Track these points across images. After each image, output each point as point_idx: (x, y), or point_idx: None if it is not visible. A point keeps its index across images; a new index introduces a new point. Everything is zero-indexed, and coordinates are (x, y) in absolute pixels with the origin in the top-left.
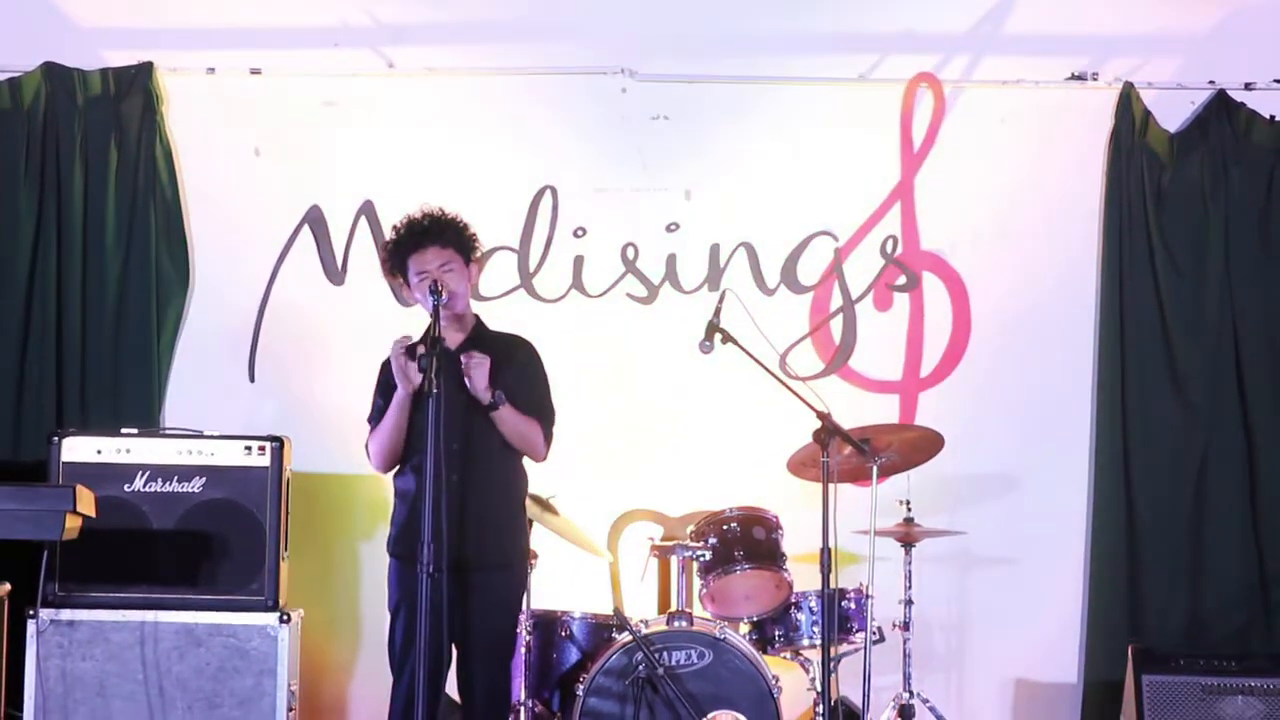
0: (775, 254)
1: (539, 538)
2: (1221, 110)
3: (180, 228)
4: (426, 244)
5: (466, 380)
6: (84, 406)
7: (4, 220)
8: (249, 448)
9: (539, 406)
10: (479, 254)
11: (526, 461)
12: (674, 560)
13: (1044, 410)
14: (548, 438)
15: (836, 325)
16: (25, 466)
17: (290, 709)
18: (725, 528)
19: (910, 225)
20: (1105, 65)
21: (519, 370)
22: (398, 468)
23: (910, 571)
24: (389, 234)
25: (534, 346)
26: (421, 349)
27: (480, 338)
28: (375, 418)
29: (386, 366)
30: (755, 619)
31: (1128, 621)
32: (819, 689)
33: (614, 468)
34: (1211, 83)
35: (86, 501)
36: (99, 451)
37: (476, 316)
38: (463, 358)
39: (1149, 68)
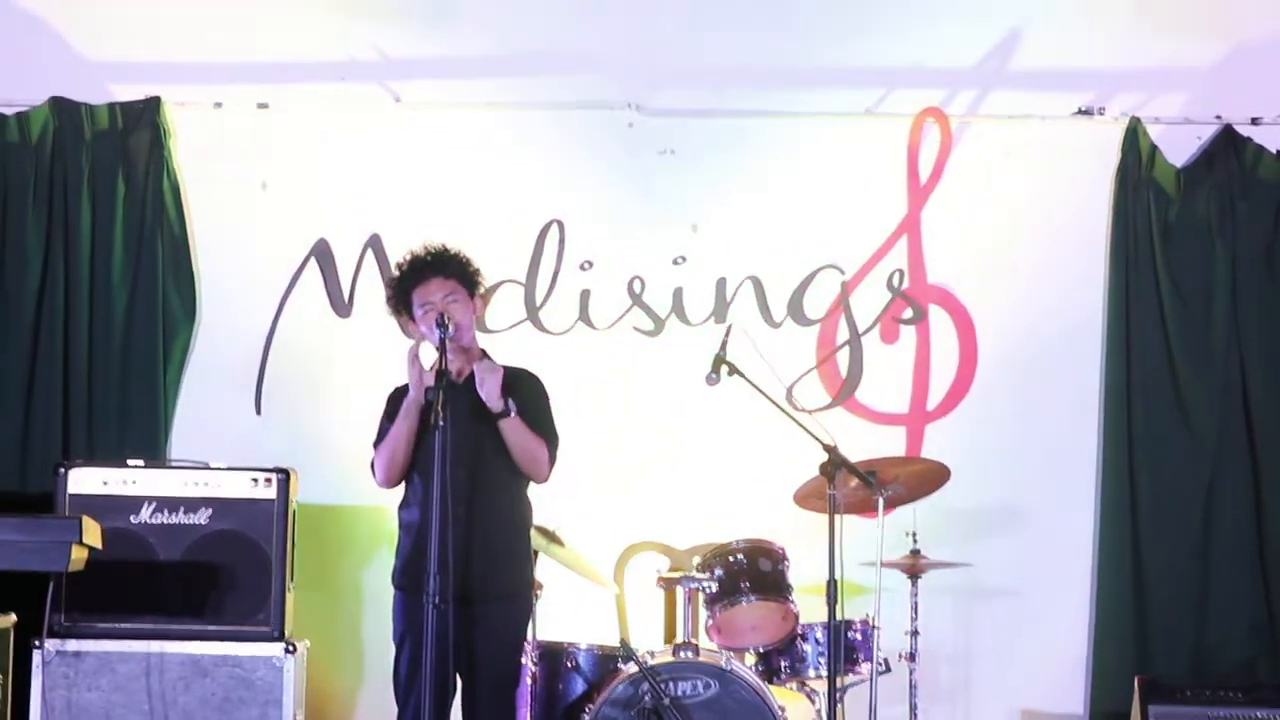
0: (782, 287)
1: (545, 569)
2: (1228, 145)
3: (187, 261)
4: (430, 276)
5: (479, 388)
6: (90, 438)
7: (12, 253)
8: (255, 480)
9: (544, 431)
10: (483, 288)
11: (532, 493)
12: (680, 591)
13: (1050, 443)
14: (551, 459)
15: (843, 358)
16: (32, 498)
17: None
18: (732, 559)
19: (917, 258)
20: (1112, 100)
21: (523, 399)
22: (403, 499)
23: (916, 603)
24: (394, 271)
25: (538, 378)
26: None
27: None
28: (381, 439)
29: (394, 395)
30: (761, 650)
31: (1134, 652)
32: None
33: (620, 499)
34: (1218, 117)
35: (93, 533)
36: (105, 483)
37: (483, 350)
38: (475, 366)
39: (1155, 103)
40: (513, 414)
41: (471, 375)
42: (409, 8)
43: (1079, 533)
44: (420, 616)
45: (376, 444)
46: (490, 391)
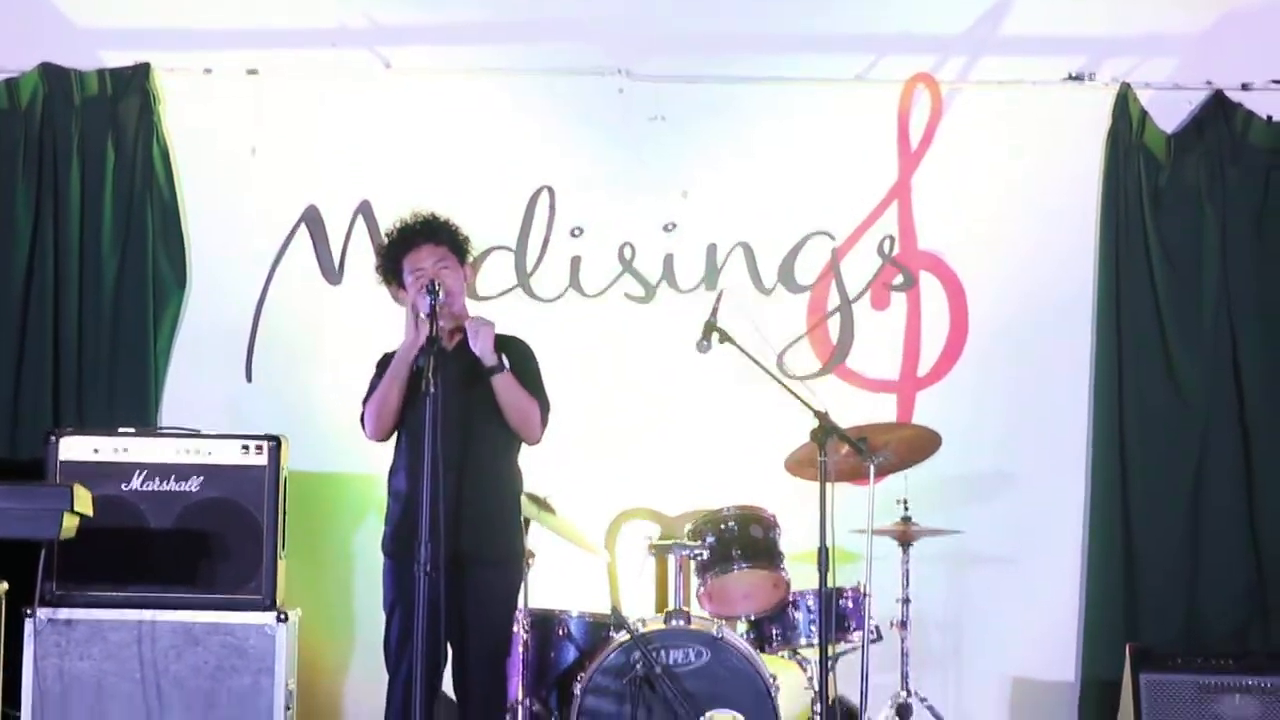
0: (772, 254)
1: (536, 537)
2: (1218, 110)
3: (177, 228)
4: (420, 242)
5: (471, 342)
6: (81, 405)
7: (1, 220)
8: (246, 447)
9: (535, 394)
10: (472, 256)
11: (524, 461)
12: (671, 559)
13: (1041, 409)
14: (544, 421)
15: (834, 325)
16: (22, 465)
17: (288, 708)
18: (723, 526)
19: (907, 225)
20: (1102, 65)
21: (514, 363)
22: (392, 465)
23: (908, 570)
24: (383, 238)
25: (528, 344)
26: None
27: None
28: (371, 393)
29: (383, 360)
30: (753, 618)
31: (1125, 620)
32: (817, 688)
33: (611, 467)
34: (1208, 83)
35: (84, 500)
36: (96, 450)
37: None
38: (467, 322)
39: (1146, 68)
40: (506, 369)
41: (462, 343)
42: None
43: (1070, 500)
44: (411, 584)
45: (366, 399)
46: (484, 346)
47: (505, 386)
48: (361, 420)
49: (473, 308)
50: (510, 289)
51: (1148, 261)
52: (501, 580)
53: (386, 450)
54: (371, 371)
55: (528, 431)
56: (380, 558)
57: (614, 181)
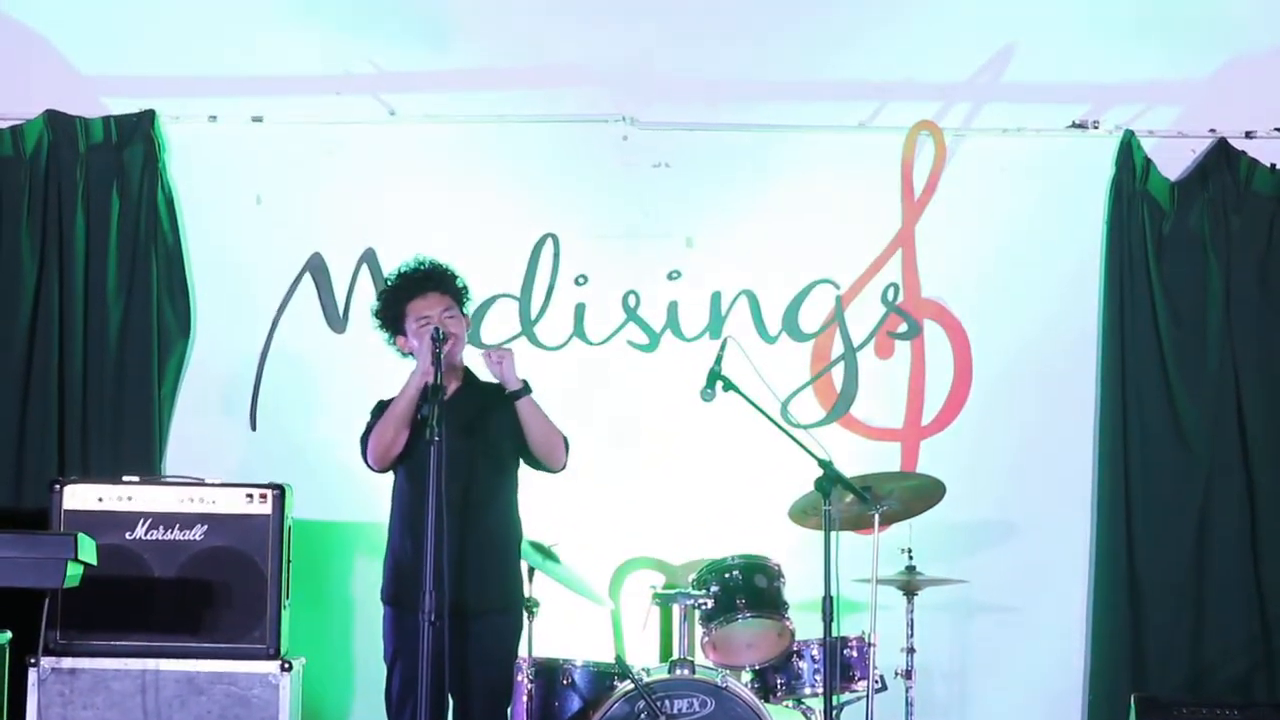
0: (777, 302)
1: (541, 585)
2: (1222, 158)
3: (182, 275)
4: (428, 290)
5: (494, 370)
6: (85, 454)
7: (6, 267)
8: (250, 495)
9: None
10: (470, 305)
11: (528, 509)
12: (676, 608)
13: (1045, 458)
14: (566, 448)
15: (838, 373)
16: (27, 514)
17: None
18: (727, 575)
19: (911, 273)
20: (1106, 113)
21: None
22: (392, 513)
23: (912, 620)
24: (386, 284)
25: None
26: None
27: (474, 385)
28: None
29: (379, 407)
30: (757, 667)
31: (1130, 669)
32: None
33: (616, 516)
34: (1212, 131)
35: (88, 549)
36: (100, 499)
37: (466, 367)
38: (485, 353)
39: (1150, 116)
40: (531, 392)
41: (463, 391)
42: (404, 21)
43: (1075, 549)
44: (412, 633)
45: (364, 437)
46: (508, 372)
47: (531, 411)
48: (363, 447)
49: (476, 355)
50: (515, 337)
51: (1151, 309)
52: (504, 628)
53: (390, 498)
54: (369, 418)
55: (554, 456)
56: (380, 606)
57: (618, 229)
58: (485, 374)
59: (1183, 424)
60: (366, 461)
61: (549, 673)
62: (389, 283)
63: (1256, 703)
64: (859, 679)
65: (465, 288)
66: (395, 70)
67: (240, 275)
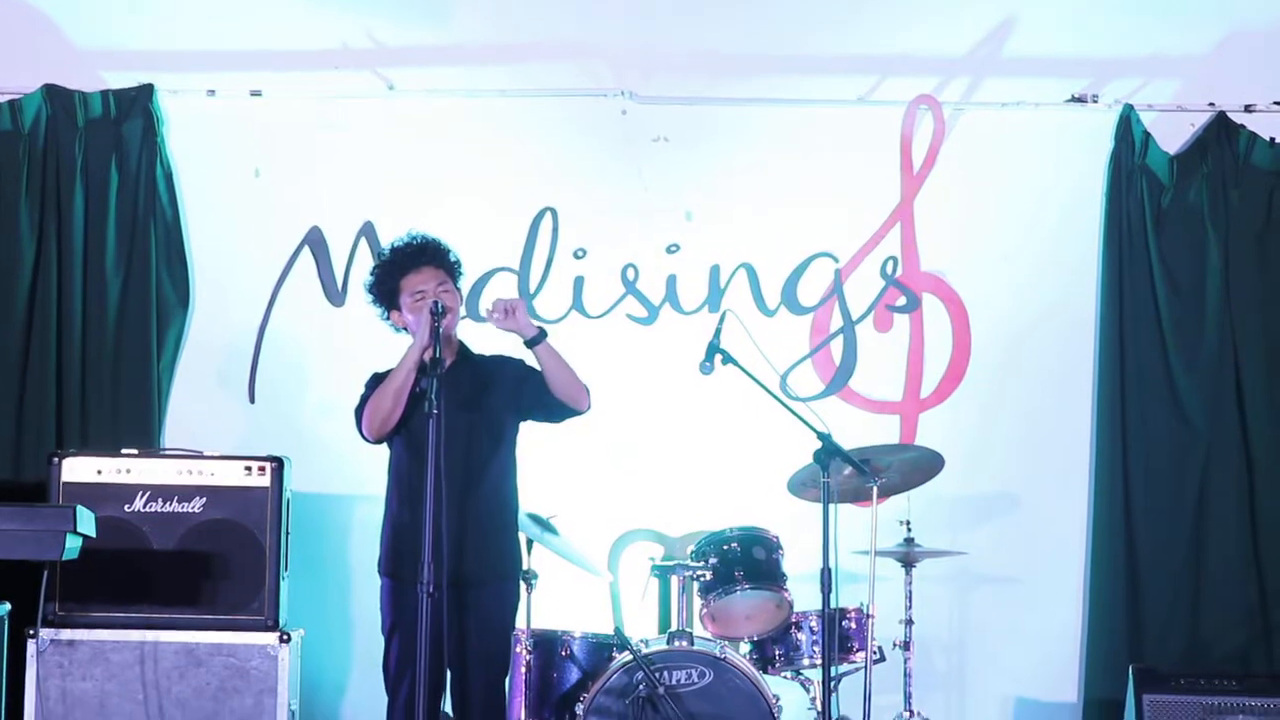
0: (776, 275)
1: (539, 557)
2: (1221, 132)
3: (181, 249)
4: (422, 265)
5: (504, 321)
6: (84, 427)
7: (5, 241)
8: (249, 468)
9: None
10: (463, 280)
11: (526, 481)
12: (674, 580)
13: (1044, 430)
14: (587, 392)
15: (837, 346)
16: (25, 487)
17: None
18: (726, 547)
19: (910, 246)
20: (1105, 87)
21: (522, 374)
22: (390, 486)
23: (911, 591)
24: (380, 258)
25: (523, 360)
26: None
27: (468, 359)
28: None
29: (373, 380)
30: (756, 639)
31: (1128, 641)
32: (820, 708)
33: (614, 488)
34: (1211, 105)
35: (87, 522)
36: (99, 472)
37: (461, 341)
38: (495, 302)
39: (1149, 90)
40: (547, 336)
41: (460, 365)
42: None
43: (1073, 521)
44: (410, 605)
45: (359, 410)
46: (522, 319)
47: (549, 355)
48: (358, 423)
49: (475, 328)
50: None
51: (1150, 283)
52: (502, 599)
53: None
54: (363, 390)
55: (578, 397)
56: (378, 578)
57: (617, 203)
58: (494, 345)
59: (1181, 397)
60: (361, 433)
61: (547, 644)
62: (383, 258)
63: (1254, 674)
64: (857, 650)
65: (458, 262)
66: (394, 45)
67: (239, 249)
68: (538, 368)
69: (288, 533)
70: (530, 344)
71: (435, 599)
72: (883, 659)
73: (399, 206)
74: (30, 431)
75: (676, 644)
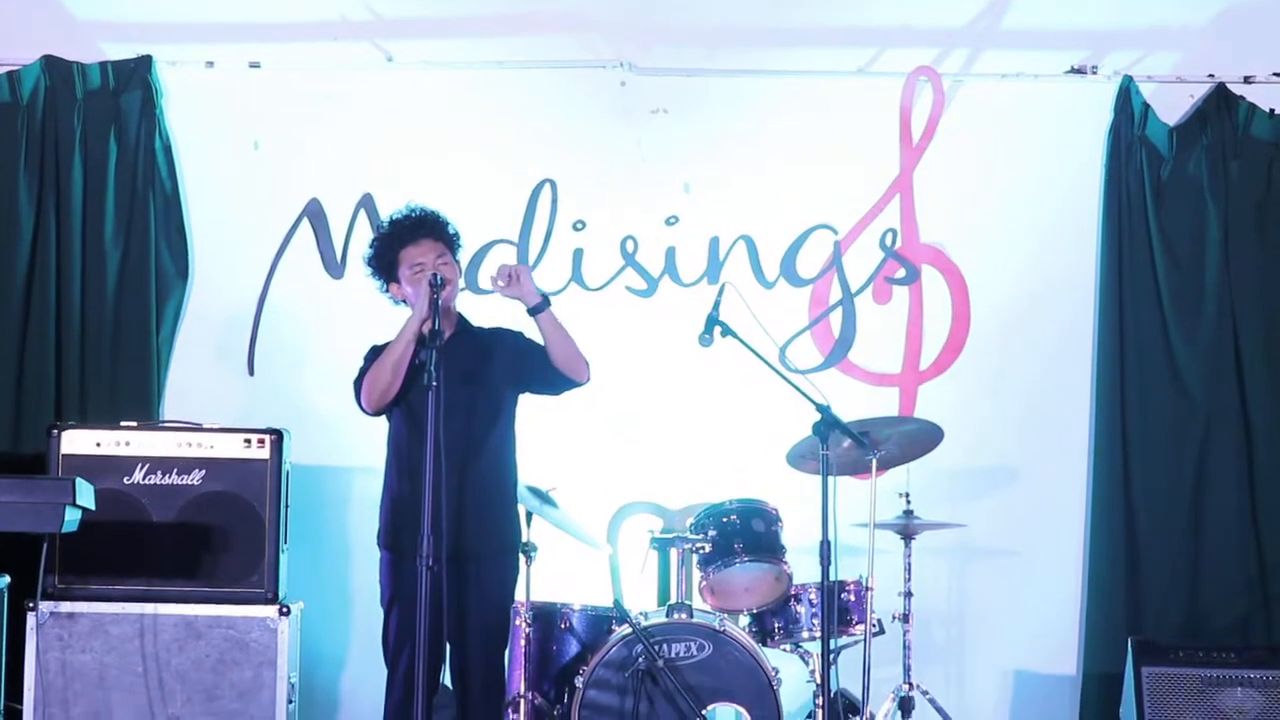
0: (775, 247)
1: (538, 530)
2: (1221, 104)
3: (179, 221)
4: (421, 237)
5: (507, 288)
6: (83, 399)
7: (3, 213)
8: (248, 440)
9: None
10: (462, 252)
11: (525, 454)
12: (673, 552)
13: (1043, 402)
14: (587, 364)
15: (836, 318)
16: (24, 459)
17: (290, 701)
18: (725, 520)
19: (909, 218)
20: (1104, 59)
21: (521, 346)
22: (389, 459)
23: (910, 564)
24: (379, 231)
25: (522, 333)
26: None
27: (467, 331)
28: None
29: (372, 352)
30: (755, 611)
31: (1127, 613)
32: (819, 681)
33: (613, 460)
34: (1211, 76)
35: (86, 494)
36: (98, 444)
37: (460, 313)
38: (500, 269)
39: (1148, 61)
40: (550, 304)
41: (457, 336)
42: None
43: (1072, 493)
44: (409, 577)
45: (358, 382)
46: (526, 285)
47: (551, 324)
48: (357, 395)
49: (474, 300)
50: None
51: (1149, 254)
52: (501, 572)
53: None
54: (362, 362)
55: (577, 368)
56: (377, 551)
57: (616, 175)
58: (494, 317)
59: (1180, 368)
60: (360, 405)
61: (547, 617)
62: (382, 230)
63: (1253, 646)
64: (856, 623)
65: (457, 235)
66: (392, 16)
67: (238, 221)
68: (537, 340)
69: (287, 505)
70: (533, 312)
71: (435, 572)
72: (882, 632)
73: (398, 178)
74: (29, 404)
75: (676, 616)
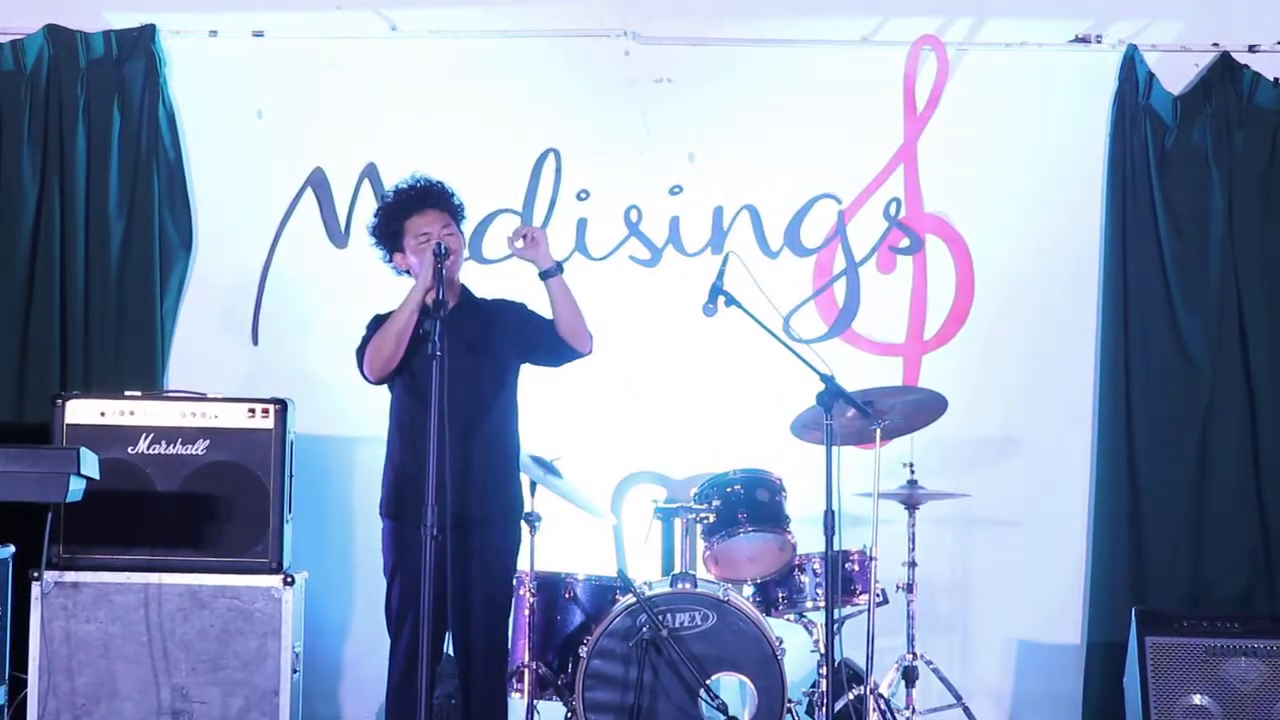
0: (779, 217)
1: (543, 500)
2: (1225, 73)
3: (183, 191)
4: (426, 207)
5: (524, 250)
6: (87, 369)
7: (6, 182)
8: (253, 410)
9: None
10: (466, 223)
11: (529, 424)
12: (677, 522)
13: (1047, 372)
14: (590, 335)
15: (840, 288)
16: (29, 429)
17: (295, 670)
18: (729, 490)
19: (914, 188)
20: (1109, 28)
21: (524, 317)
22: (392, 428)
23: (914, 534)
24: (384, 201)
25: (525, 304)
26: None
27: (471, 301)
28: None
29: (375, 321)
30: (759, 581)
31: (1131, 583)
32: (823, 651)
33: (618, 430)
34: (1215, 45)
35: (90, 464)
36: (103, 414)
37: (464, 284)
38: (517, 231)
39: (1152, 30)
40: (563, 271)
41: (461, 307)
42: None
43: (1076, 463)
44: (412, 546)
45: (360, 350)
46: (543, 249)
47: (560, 290)
48: (360, 364)
49: (479, 270)
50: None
51: (1154, 224)
52: (504, 541)
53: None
54: (365, 331)
55: (580, 338)
56: (380, 520)
57: (620, 144)
58: (498, 288)
59: (1184, 338)
60: (363, 374)
61: (551, 587)
62: (386, 200)
63: (1257, 615)
64: (860, 593)
65: (462, 205)
66: None
67: (242, 190)
68: (542, 313)
69: (291, 475)
70: (545, 275)
71: (438, 541)
72: (885, 601)
73: (402, 148)
74: (33, 374)
75: (680, 586)
